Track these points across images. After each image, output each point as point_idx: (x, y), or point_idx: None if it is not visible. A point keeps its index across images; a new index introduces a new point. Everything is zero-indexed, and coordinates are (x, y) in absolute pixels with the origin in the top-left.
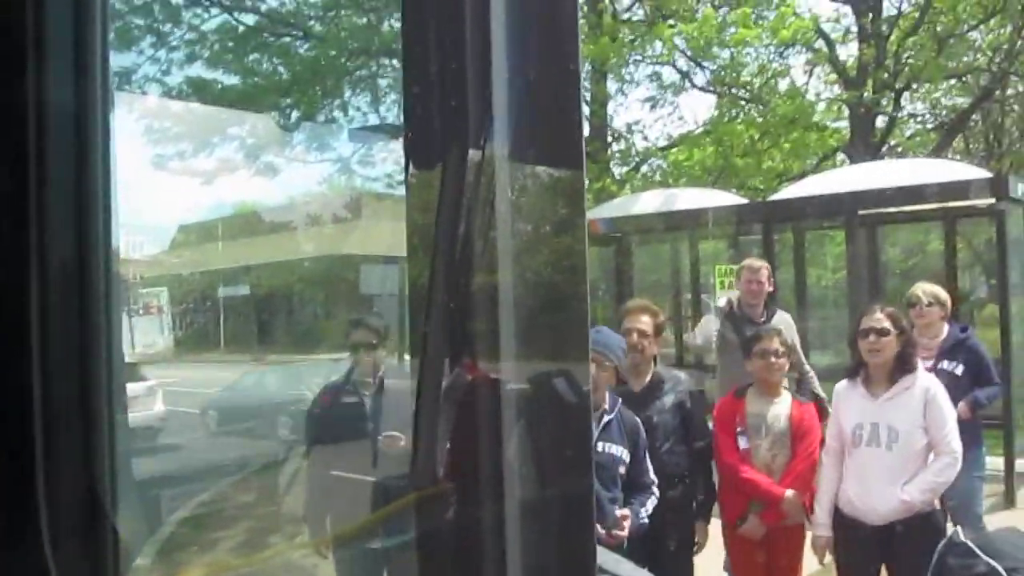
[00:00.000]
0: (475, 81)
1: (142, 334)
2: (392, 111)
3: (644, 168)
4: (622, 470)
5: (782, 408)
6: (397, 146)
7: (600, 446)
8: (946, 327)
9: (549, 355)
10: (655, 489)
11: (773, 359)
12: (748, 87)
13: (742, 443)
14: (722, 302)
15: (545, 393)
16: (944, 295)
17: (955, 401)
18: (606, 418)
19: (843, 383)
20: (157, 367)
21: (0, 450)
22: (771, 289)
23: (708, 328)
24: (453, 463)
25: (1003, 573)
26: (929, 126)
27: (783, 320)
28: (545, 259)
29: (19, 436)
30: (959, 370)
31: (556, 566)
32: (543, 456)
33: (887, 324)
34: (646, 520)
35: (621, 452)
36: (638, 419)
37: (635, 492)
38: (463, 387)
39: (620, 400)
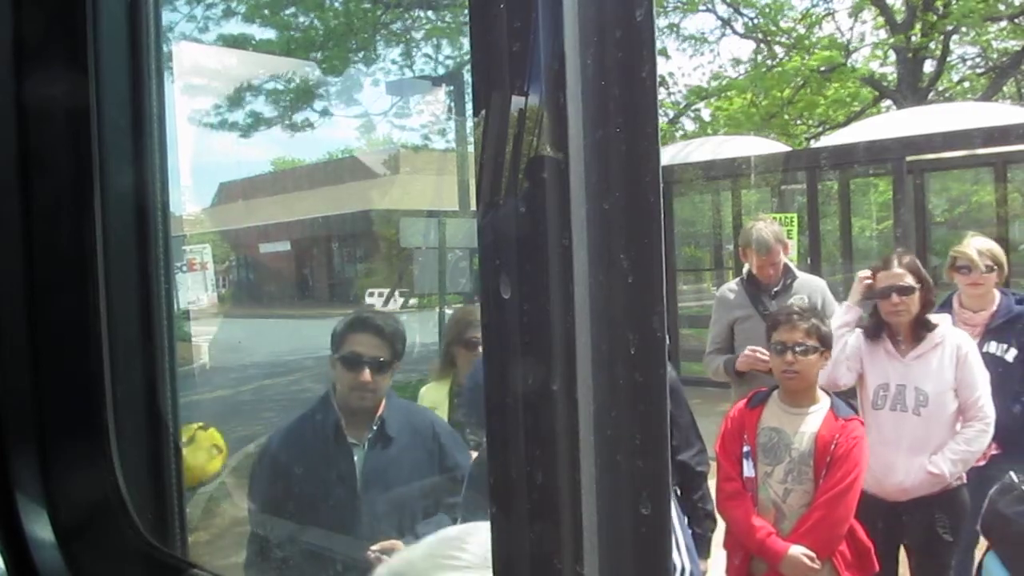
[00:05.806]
0: (545, 33)
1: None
2: (429, 64)
3: (682, 120)
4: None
5: (810, 423)
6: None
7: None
8: (998, 296)
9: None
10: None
11: (790, 356)
12: (789, 33)
13: (746, 469)
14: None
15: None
16: (1001, 255)
17: (1003, 396)
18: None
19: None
20: (201, 323)
21: (73, 387)
22: (787, 253)
23: None
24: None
25: None
26: (979, 70)
27: (808, 286)
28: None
29: (89, 374)
30: (1010, 355)
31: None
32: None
33: (910, 280)
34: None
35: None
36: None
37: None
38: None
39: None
